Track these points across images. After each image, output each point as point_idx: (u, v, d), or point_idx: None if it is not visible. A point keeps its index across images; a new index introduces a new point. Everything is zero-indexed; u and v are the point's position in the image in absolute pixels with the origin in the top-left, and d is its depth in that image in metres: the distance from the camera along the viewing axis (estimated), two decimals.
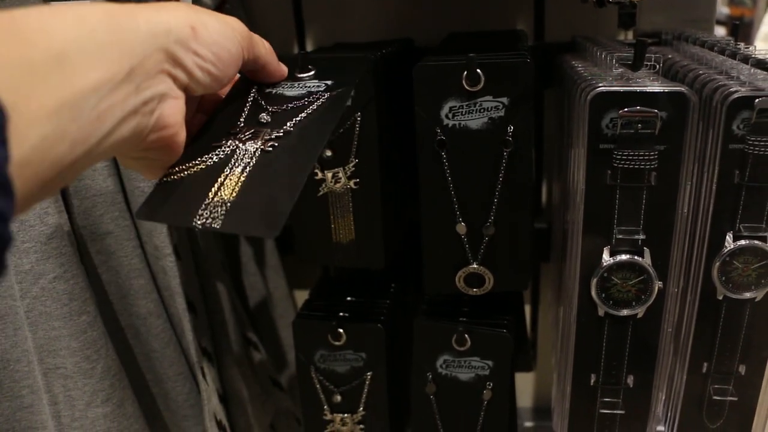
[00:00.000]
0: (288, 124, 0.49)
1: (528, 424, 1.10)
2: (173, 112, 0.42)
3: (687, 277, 0.69)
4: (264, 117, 0.50)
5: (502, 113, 0.60)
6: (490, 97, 0.60)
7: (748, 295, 0.65)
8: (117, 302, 0.77)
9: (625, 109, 0.56)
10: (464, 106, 0.61)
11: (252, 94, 0.52)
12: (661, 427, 0.86)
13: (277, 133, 0.49)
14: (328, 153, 0.68)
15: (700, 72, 0.64)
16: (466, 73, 0.60)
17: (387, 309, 0.76)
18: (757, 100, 0.57)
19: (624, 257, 0.61)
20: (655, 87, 0.56)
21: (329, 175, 0.68)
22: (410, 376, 0.75)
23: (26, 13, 0.33)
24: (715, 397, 0.72)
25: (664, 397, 0.81)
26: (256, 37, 0.50)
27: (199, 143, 0.48)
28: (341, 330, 0.75)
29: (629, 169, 0.58)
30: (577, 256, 0.62)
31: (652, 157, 0.57)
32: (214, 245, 0.89)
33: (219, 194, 0.45)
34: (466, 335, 0.70)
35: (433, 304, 0.74)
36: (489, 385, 0.71)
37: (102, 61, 0.36)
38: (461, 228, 0.64)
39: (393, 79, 0.69)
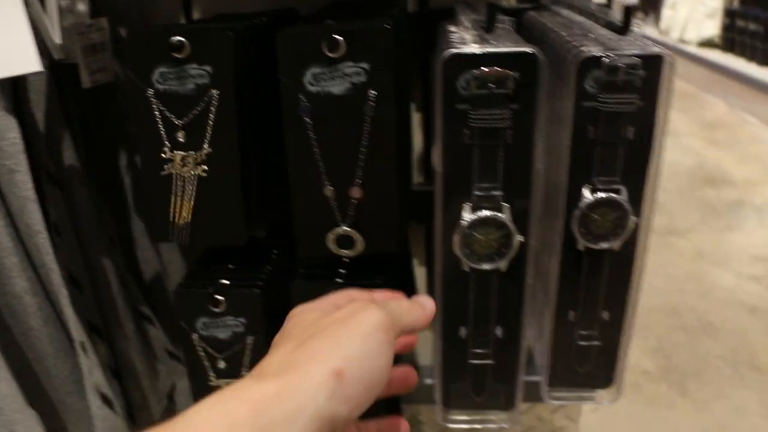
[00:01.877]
0: (205, 146, 0.56)
1: (428, 381, 1.10)
2: None
3: (550, 231, 0.69)
4: (180, 137, 0.54)
5: (363, 78, 0.58)
6: (351, 63, 0.58)
7: (606, 245, 0.66)
8: None
9: (481, 69, 0.55)
10: (326, 72, 0.59)
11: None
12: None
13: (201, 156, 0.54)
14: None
15: (562, 34, 0.63)
16: (326, 39, 0.57)
17: (266, 274, 0.74)
18: (605, 59, 0.57)
19: (484, 213, 0.61)
20: (507, 48, 0.55)
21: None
22: None
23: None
24: (582, 343, 0.73)
25: (539, 346, 0.82)
26: (400, 312, 0.47)
27: None
28: (220, 297, 0.72)
29: (485, 129, 0.57)
30: (440, 214, 0.62)
31: (506, 116, 0.56)
32: (100, 221, 0.85)
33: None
34: None
35: (311, 267, 0.73)
36: None
37: None
38: (328, 191, 0.62)
39: (264, 51, 0.66)
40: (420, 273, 1.01)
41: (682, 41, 4.83)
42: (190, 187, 0.67)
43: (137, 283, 0.95)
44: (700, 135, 3.48)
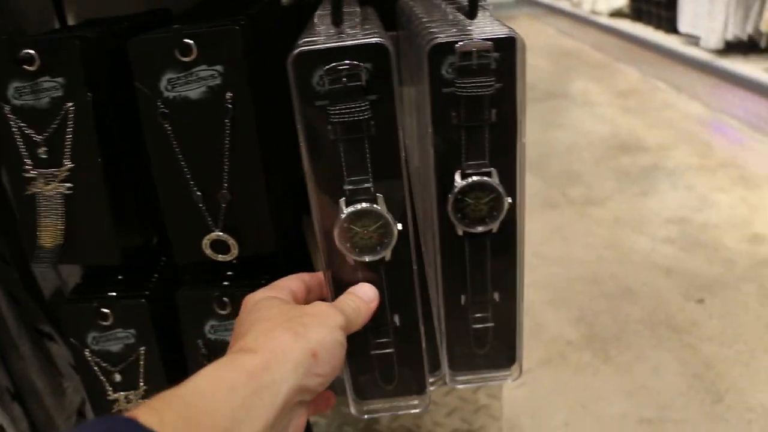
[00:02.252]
0: (65, 162, 0.57)
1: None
2: (300, 423, 0.49)
3: (429, 218, 0.70)
4: (41, 154, 0.56)
5: (219, 81, 0.58)
6: (205, 66, 0.58)
7: (483, 228, 0.67)
8: None
9: (331, 65, 0.55)
10: (182, 77, 0.58)
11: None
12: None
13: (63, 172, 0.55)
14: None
15: (423, 20, 0.64)
16: (177, 44, 0.57)
17: (153, 284, 0.73)
18: (457, 44, 0.58)
19: (359, 207, 0.60)
20: (356, 41, 0.55)
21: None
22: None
23: (194, 395, 0.42)
24: (476, 326, 0.74)
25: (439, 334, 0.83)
26: (355, 316, 0.57)
27: None
28: (106, 310, 0.71)
29: (346, 123, 0.58)
30: (316, 211, 0.62)
31: (364, 108, 0.57)
32: None
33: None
34: (225, 299, 0.68)
35: (197, 272, 0.72)
36: None
37: (255, 421, 0.44)
38: (197, 197, 0.62)
39: (121, 58, 0.65)
40: None
41: (594, 12, 4.94)
42: (57, 207, 0.66)
43: (36, 300, 0.93)
44: (614, 103, 3.57)
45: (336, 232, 0.61)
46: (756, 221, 2.23)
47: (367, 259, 0.63)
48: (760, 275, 1.93)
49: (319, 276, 0.62)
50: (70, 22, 0.88)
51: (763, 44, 3.12)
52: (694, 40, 3.57)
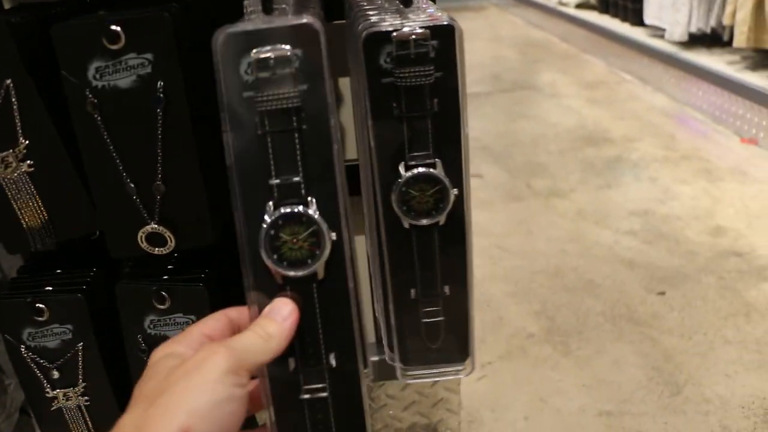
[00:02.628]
0: (20, 139, 0.55)
1: (374, 358, 1.09)
2: None
3: (375, 213, 0.69)
4: None
5: (149, 69, 0.57)
6: (134, 54, 0.57)
7: (429, 221, 0.66)
8: None
9: (254, 51, 0.52)
10: (110, 66, 0.57)
11: None
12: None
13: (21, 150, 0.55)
14: None
15: (364, 7, 0.63)
16: (103, 31, 0.56)
17: (90, 278, 0.72)
18: (393, 33, 0.57)
19: (288, 210, 0.52)
20: (282, 23, 0.53)
21: None
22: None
23: None
24: (427, 320, 0.74)
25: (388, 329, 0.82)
26: (252, 349, 0.48)
27: None
28: (43, 305, 0.70)
29: (274, 111, 0.55)
30: (241, 215, 0.57)
31: (293, 96, 0.53)
32: None
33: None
34: (164, 293, 0.67)
35: (137, 266, 0.71)
36: None
37: None
38: (130, 189, 0.61)
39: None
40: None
41: (562, 3, 4.97)
42: (26, 187, 0.64)
43: None
44: (580, 95, 3.59)
45: (262, 239, 0.52)
46: (718, 213, 2.26)
47: (296, 274, 0.53)
48: (721, 267, 1.95)
49: (229, 316, 0.54)
50: (6, 5, 0.86)
51: (725, 37, 3.16)
52: (659, 32, 3.60)
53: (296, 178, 0.52)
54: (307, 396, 0.54)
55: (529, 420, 1.45)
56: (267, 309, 0.51)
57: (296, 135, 0.53)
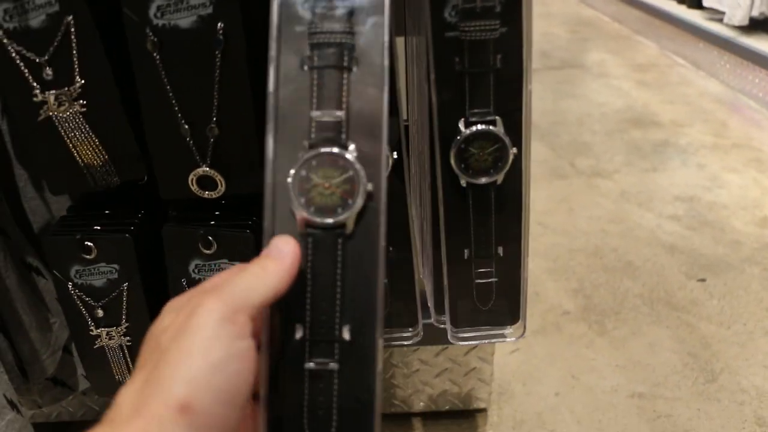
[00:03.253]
0: (77, 78, 0.56)
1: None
2: None
3: (431, 172, 0.69)
4: (47, 74, 0.56)
5: (210, 10, 0.57)
6: None
7: (487, 179, 0.66)
8: None
9: None
10: (172, 4, 0.57)
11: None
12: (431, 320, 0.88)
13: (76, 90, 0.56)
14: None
15: None
16: None
17: (138, 219, 0.73)
18: None
19: (326, 150, 0.46)
20: None
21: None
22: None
23: None
24: (480, 281, 0.74)
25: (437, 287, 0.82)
26: (246, 288, 0.41)
27: None
28: (91, 243, 0.71)
29: (323, 45, 0.53)
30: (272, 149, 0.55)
31: (345, 32, 0.51)
32: None
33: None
34: (211, 238, 0.68)
35: (183, 210, 0.72)
36: None
37: None
38: (184, 131, 0.61)
39: None
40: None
41: None
42: (79, 127, 0.64)
43: (26, 234, 0.92)
44: (630, 77, 3.52)
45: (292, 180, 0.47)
46: (766, 204, 2.21)
47: (324, 221, 0.46)
48: (766, 258, 1.91)
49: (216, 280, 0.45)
50: None
51: None
52: (718, 15, 3.51)
53: (339, 113, 0.46)
54: (311, 367, 0.46)
55: (560, 396, 1.45)
56: (265, 249, 0.44)
57: (344, 74, 0.48)
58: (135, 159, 0.67)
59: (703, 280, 1.83)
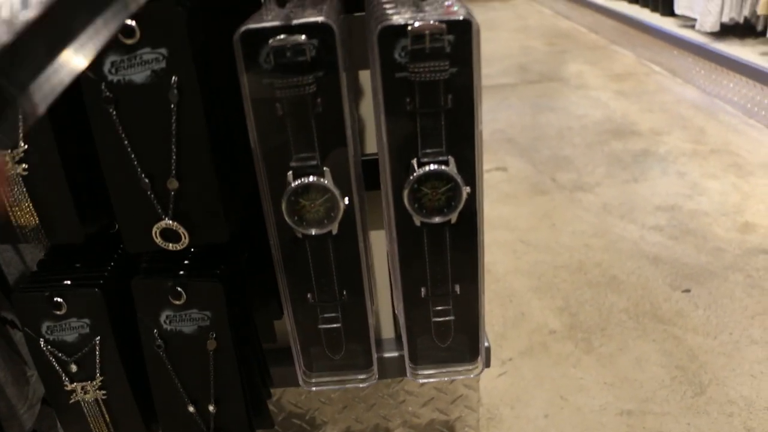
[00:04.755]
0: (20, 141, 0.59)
1: (389, 354, 1.10)
2: None
3: (387, 208, 0.69)
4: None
5: (163, 65, 0.58)
6: (148, 49, 0.58)
7: (441, 219, 0.67)
8: None
9: (275, 39, 0.55)
10: (125, 60, 0.58)
11: None
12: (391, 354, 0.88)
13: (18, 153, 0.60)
14: None
15: (381, 1, 0.63)
16: None
17: (108, 272, 0.73)
18: (409, 27, 0.57)
19: (306, 180, 0.62)
20: (300, 20, 0.55)
21: None
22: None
23: None
24: (437, 319, 0.74)
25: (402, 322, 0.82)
26: None
27: None
28: (60, 299, 0.71)
29: (290, 98, 0.57)
30: (266, 187, 0.62)
31: (309, 83, 0.56)
32: None
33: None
34: (180, 289, 0.68)
35: (154, 261, 0.72)
36: (212, 335, 0.70)
37: None
38: (145, 184, 0.62)
39: None
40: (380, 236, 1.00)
41: None
42: (19, 188, 0.66)
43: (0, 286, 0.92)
44: (608, 87, 3.56)
45: (283, 203, 0.63)
46: (747, 209, 2.23)
47: (313, 233, 0.65)
48: (749, 264, 1.93)
49: None
50: None
51: (759, 27, 3.11)
52: (690, 22, 3.56)
53: (312, 159, 0.61)
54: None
55: (549, 418, 1.45)
56: None
57: (313, 119, 0.59)
58: (73, 223, 0.68)
59: (687, 290, 1.85)
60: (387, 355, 1.04)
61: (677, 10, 3.67)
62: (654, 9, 4.06)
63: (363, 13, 0.84)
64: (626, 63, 4.00)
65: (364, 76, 0.90)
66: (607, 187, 2.45)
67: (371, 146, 0.93)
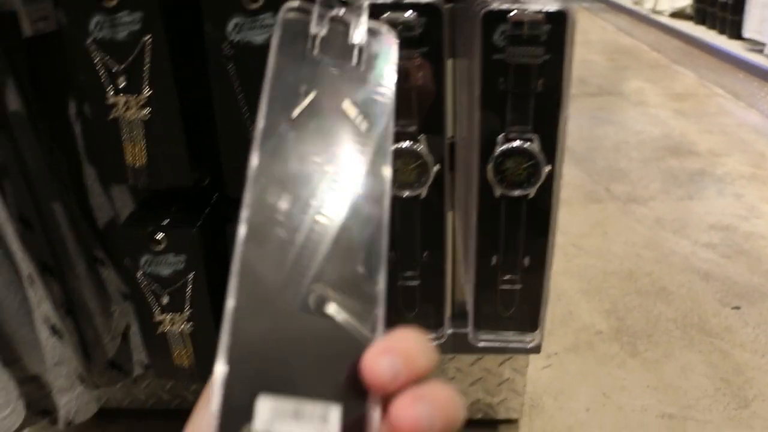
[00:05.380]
0: (145, 89, 0.65)
1: (448, 330, 1.15)
2: None
3: (469, 178, 0.75)
4: (121, 82, 0.63)
5: None
6: (270, 14, 0.64)
7: (520, 192, 0.72)
8: None
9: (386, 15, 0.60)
10: (248, 22, 0.65)
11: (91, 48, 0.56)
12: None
13: (143, 98, 0.63)
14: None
15: None
16: None
17: (205, 216, 0.80)
18: (510, 13, 0.63)
19: (403, 145, 0.67)
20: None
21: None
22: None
23: None
24: (504, 287, 0.79)
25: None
26: None
27: None
28: (161, 236, 0.78)
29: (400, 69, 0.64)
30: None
31: (413, 57, 0.62)
32: (48, 167, 0.90)
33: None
34: None
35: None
36: None
37: None
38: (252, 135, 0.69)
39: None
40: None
41: (656, 12, 4.91)
42: (137, 130, 0.73)
43: (91, 228, 1.00)
44: (668, 106, 3.56)
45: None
46: None
47: (405, 195, 0.70)
48: None
49: None
50: None
51: None
52: (758, 46, 3.54)
53: (410, 125, 0.66)
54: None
55: (591, 412, 1.48)
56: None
57: (413, 91, 0.64)
58: (184, 166, 0.74)
59: (737, 307, 1.86)
60: (448, 331, 1.09)
61: (746, 34, 3.65)
62: (721, 31, 4.05)
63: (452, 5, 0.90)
64: (688, 83, 3.99)
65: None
66: (661, 202, 2.47)
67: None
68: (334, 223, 0.33)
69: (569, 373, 1.60)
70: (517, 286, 0.80)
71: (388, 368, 0.30)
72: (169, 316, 0.83)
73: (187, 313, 0.82)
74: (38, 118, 0.88)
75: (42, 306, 0.81)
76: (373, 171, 0.34)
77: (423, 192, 0.70)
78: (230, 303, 0.31)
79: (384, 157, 0.34)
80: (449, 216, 0.75)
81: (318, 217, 0.33)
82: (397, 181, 0.69)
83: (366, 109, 0.35)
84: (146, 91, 0.70)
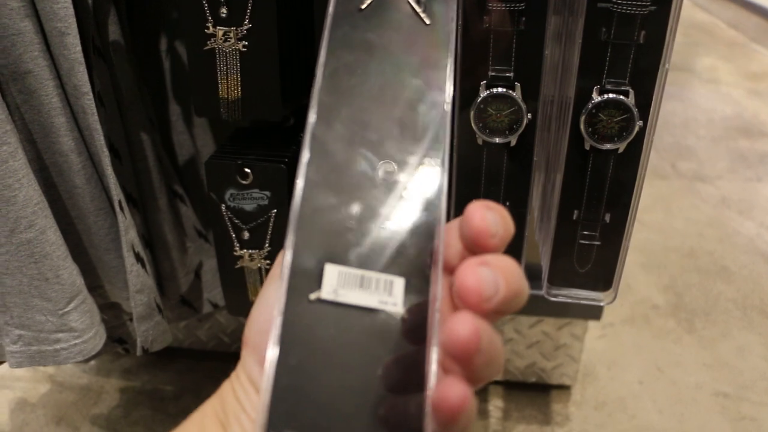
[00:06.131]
0: (246, 21, 0.66)
1: None
2: None
3: (562, 131, 0.75)
4: (222, 12, 0.65)
5: None
6: None
7: (610, 146, 0.72)
8: (40, 140, 0.79)
9: None
10: None
11: None
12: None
13: (242, 30, 0.66)
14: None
15: None
16: None
17: (292, 153, 0.82)
18: None
19: (498, 90, 0.68)
20: None
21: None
22: None
23: None
24: (583, 242, 0.80)
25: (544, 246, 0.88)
26: None
27: None
28: (248, 170, 0.80)
29: (500, 12, 0.64)
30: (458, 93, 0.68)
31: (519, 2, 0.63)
32: (140, 99, 0.92)
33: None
34: None
35: None
36: None
37: None
38: None
39: None
40: None
41: None
42: (233, 62, 0.74)
43: (172, 164, 1.03)
44: (742, 85, 3.47)
45: (471, 112, 0.69)
46: None
47: (496, 141, 0.71)
48: None
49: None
50: None
51: None
52: None
53: (507, 74, 0.67)
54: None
55: (644, 385, 1.49)
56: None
57: (515, 36, 0.65)
58: (276, 101, 0.76)
59: None
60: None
61: None
62: None
63: None
64: (766, 63, 3.87)
65: None
66: (728, 182, 2.42)
67: None
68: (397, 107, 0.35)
69: (624, 345, 1.60)
70: (596, 243, 0.80)
71: (491, 221, 0.32)
72: (248, 252, 0.85)
73: (266, 250, 0.84)
74: (132, 51, 0.90)
75: (129, 232, 0.84)
76: (436, 63, 0.36)
77: (513, 140, 0.71)
78: (300, 183, 0.33)
79: (446, 50, 0.36)
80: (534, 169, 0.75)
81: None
82: (489, 127, 0.69)
83: (429, 3, 0.37)
84: (246, 24, 0.71)
